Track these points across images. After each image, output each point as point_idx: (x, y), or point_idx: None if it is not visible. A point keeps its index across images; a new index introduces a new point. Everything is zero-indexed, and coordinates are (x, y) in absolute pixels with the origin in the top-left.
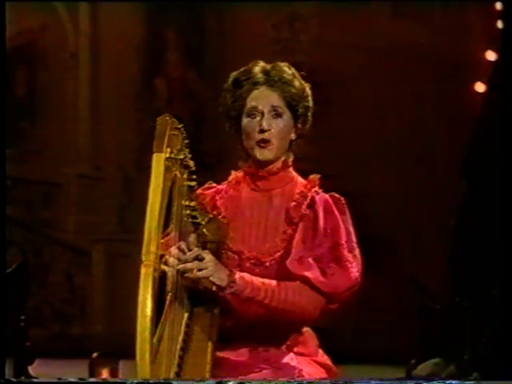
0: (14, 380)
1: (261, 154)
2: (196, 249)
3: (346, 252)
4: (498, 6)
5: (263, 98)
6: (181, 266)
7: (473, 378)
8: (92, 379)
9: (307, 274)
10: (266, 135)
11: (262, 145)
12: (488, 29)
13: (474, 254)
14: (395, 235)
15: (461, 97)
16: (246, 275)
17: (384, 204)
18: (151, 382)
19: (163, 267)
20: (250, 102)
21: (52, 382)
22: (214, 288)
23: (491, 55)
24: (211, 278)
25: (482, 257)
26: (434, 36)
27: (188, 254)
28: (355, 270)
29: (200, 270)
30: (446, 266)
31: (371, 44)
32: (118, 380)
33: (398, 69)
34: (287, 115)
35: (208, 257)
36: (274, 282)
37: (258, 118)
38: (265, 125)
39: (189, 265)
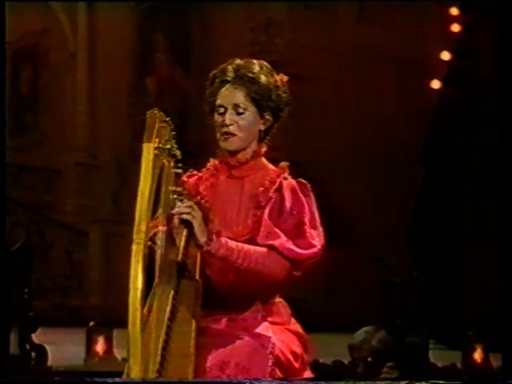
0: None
1: (224, 144)
2: (191, 202)
3: (308, 228)
4: (453, 10)
5: (227, 97)
6: (177, 210)
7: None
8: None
9: (273, 242)
10: (228, 129)
11: (225, 137)
12: (443, 31)
13: (430, 234)
14: (360, 217)
15: (418, 92)
16: (222, 238)
17: (351, 189)
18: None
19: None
20: (218, 100)
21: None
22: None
23: (446, 55)
24: (195, 229)
25: (438, 236)
26: (394, 38)
27: (184, 203)
28: (317, 243)
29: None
30: (405, 244)
31: (338, 45)
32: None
33: (362, 67)
34: (251, 110)
35: (199, 212)
36: (246, 246)
37: (223, 114)
38: (227, 120)
39: (183, 208)
